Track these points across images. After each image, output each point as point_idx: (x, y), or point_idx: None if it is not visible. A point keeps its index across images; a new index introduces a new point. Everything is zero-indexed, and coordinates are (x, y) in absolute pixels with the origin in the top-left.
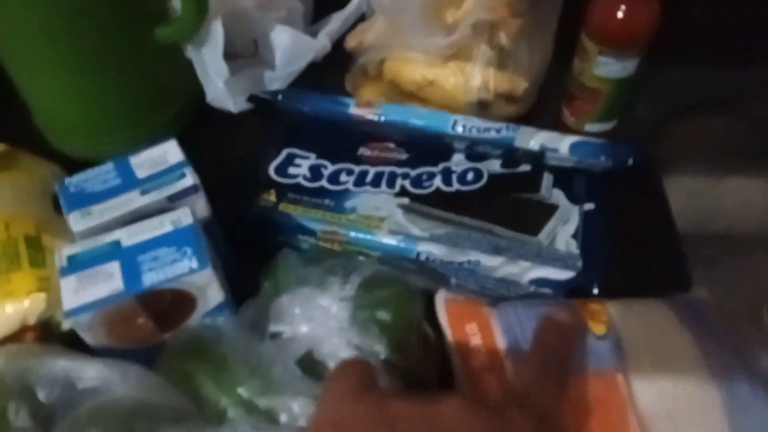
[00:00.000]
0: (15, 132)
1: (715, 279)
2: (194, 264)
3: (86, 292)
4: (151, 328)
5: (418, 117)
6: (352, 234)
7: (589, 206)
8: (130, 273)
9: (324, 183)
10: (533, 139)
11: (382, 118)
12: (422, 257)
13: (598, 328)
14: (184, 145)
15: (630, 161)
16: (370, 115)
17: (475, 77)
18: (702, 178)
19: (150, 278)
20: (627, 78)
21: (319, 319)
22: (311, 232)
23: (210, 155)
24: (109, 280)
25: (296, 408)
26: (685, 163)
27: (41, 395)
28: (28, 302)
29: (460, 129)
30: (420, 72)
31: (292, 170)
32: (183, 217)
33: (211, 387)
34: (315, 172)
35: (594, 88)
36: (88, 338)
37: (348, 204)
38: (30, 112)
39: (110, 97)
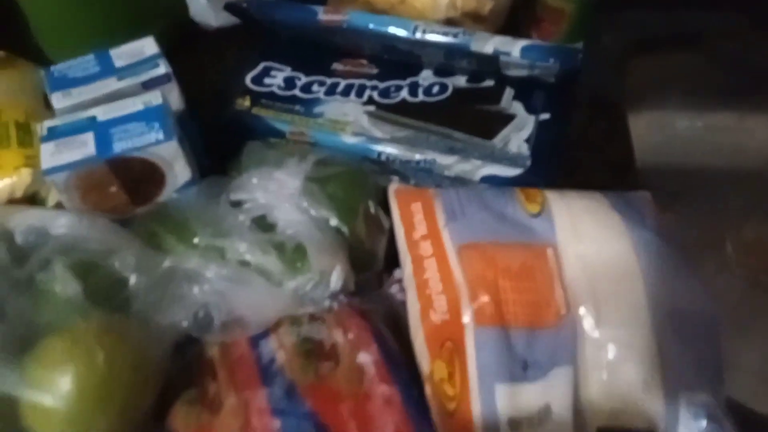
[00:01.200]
0: (16, 46)
1: (679, 211)
2: (160, 136)
3: (62, 155)
4: (124, 199)
5: (381, 23)
6: (318, 135)
7: (545, 116)
8: (103, 142)
9: (296, 92)
10: (487, 44)
11: (348, 25)
12: (382, 157)
13: (532, 207)
14: (168, 62)
15: (577, 63)
16: (336, 21)
17: None
18: (667, 113)
19: (120, 146)
20: None
21: (274, 188)
22: (280, 134)
23: (192, 73)
24: (83, 147)
25: (242, 248)
26: (651, 98)
27: (18, 239)
28: (16, 176)
29: (420, 33)
30: None
31: (267, 80)
32: (153, 98)
33: (171, 240)
34: (289, 83)
35: (557, 8)
36: (65, 201)
37: (317, 110)
38: (29, 29)
39: (99, 11)
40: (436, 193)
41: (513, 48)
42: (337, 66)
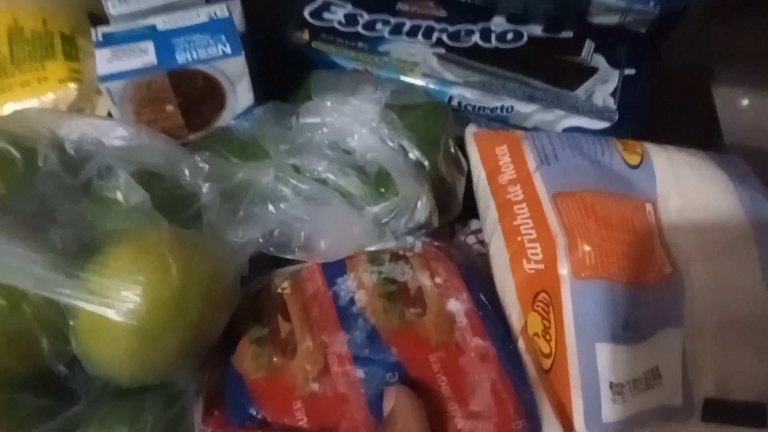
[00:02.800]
0: None
1: None
2: (228, 49)
3: (120, 62)
4: (179, 121)
5: None
6: (384, 74)
7: (630, 71)
8: (164, 51)
9: (359, 29)
10: None
11: None
12: (454, 101)
13: (631, 158)
14: None
15: (681, 7)
16: None
17: None
18: (741, 86)
19: (183, 56)
20: None
21: (349, 112)
22: (343, 70)
23: (248, 5)
24: (143, 55)
25: (322, 167)
26: (733, 67)
27: (70, 148)
28: (61, 90)
29: None
30: None
31: (327, 15)
32: (219, 11)
33: (239, 161)
34: (350, 20)
35: None
36: (117, 114)
37: (382, 48)
38: None
39: None
40: (523, 135)
41: None
42: (401, 6)
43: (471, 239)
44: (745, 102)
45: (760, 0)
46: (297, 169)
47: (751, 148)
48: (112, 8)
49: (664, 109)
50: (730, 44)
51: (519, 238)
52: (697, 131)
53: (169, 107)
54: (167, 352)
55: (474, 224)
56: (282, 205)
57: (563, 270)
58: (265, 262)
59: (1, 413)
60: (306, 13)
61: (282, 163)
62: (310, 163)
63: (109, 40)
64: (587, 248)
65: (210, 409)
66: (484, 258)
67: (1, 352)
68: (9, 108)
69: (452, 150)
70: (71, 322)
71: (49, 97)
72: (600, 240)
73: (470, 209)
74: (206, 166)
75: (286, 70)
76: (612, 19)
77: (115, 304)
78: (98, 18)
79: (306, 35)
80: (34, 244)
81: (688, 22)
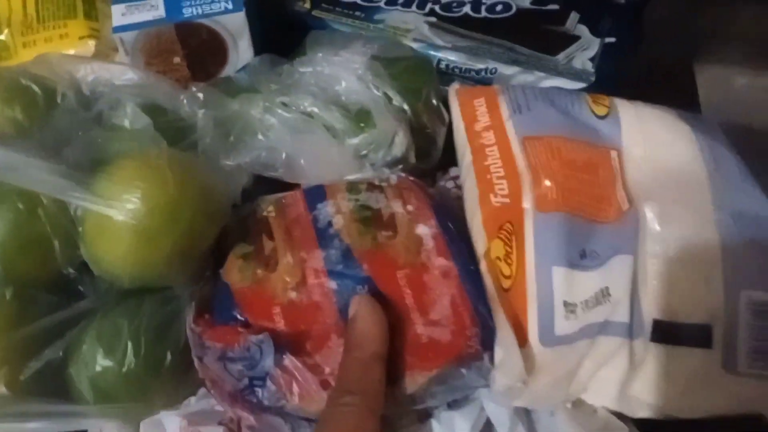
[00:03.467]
0: None
1: None
2: (230, 5)
3: (133, 15)
4: (185, 72)
5: None
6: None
7: (611, 39)
8: (173, 6)
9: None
10: None
11: None
12: (442, 64)
13: (599, 109)
14: None
15: None
16: None
17: None
18: (728, 69)
19: (189, 11)
20: None
21: (338, 62)
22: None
23: None
24: (153, 10)
25: (307, 102)
26: (713, 51)
27: (86, 88)
28: (81, 46)
29: None
30: None
31: None
32: None
33: (235, 103)
34: None
35: None
36: (130, 63)
37: (377, 17)
38: None
39: None
40: (500, 89)
41: None
42: None
43: (450, 184)
44: (733, 81)
45: None
46: (285, 104)
47: (739, 126)
48: None
49: (647, 85)
50: (718, 25)
51: (488, 176)
52: (678, 101)
53: (176, 59)
54: (163, 253)
55: (453, 171)
56: (270, 134)
57: (526, 203)
58: (259, 193)
59: (21, 307)
60: None
61: (271, 98)
62: (297, 98)
63: None
64: (549, 183)
65: (200, 312)
66: (461, 201)
67: (19, 255)
68: None
69: (434, 102)
70: (80, 228)
71: (69, 52)
72: (563, 178)
73: (453, 159)
74: (201, 95)
75: (288, 36)
76: None
77: (118, 206)
78: None
79: (307, 4)
80: (51, 159)
81: (677, 3)
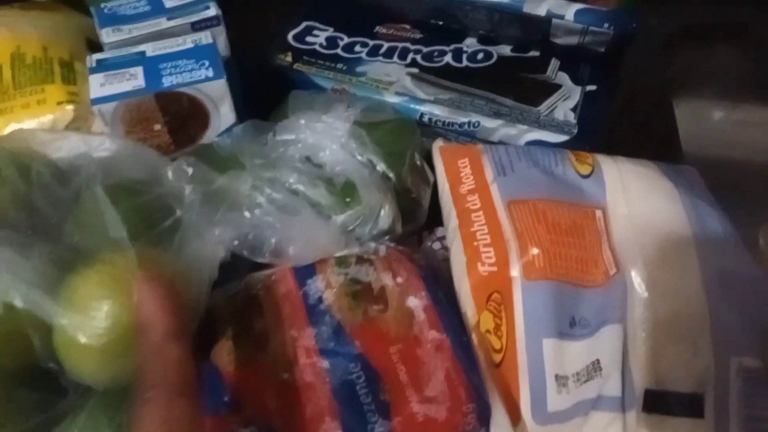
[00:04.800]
0: None
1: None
2: (210, 73)
3: (111, 86)
4: (167, 138)
5: None
6: (360, 93)
7: (591, 87)
8: (152, 75)
9: (339, 51)
10: (541, 6)
11: None
12: (425, 118)
13: (582, 168)
14: None
15: (633, 29)
16: None
17: None
18: (705, 103)
19: (169, 80)
20: None
21: (322, 130)
22: (322, 90)
23: (235, 28)
24: (132, 79)
25: (293, 179)
26: (690, 87)
27: (63, 164)
28: (59, 111)
29: None
30: None
31: (309, 39)
32: (204, 38)
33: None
34: (331, 42)
35: None
36: (110, 133)
37: (359, 69)
38: None
39: None
40: (483, 149)
41: (567, 11)
42: (379, 29)
43: (437, 245)
44: (711, 116)
45: (719, 24)
46: (271, 181)
47: (718, 159)
48: (105, 37)
49: (626, 126)
50: (694, 63)
51: (475, 243)
52: (657, 148)
53: (157, 126)
54: (135, 363)
55: (439, 231)
56: (256, 212)
57: (514, 272)
58: (246, 269)
59: (1, 407)
60: (290, 37)
61: (258, 174)
62: (283, 175)
63: (102, 66)
64: (536, 251)
65: None
66: (448, 263)
67: None
68: (11, 128)
69: (418, 163)
70: (52, 331)
71: (47, 118)
72: (549, 244)
73: (438, 218)
74: (190, 169)
75: (270, 90)
76: (572, 40)
77: (82, 327)
78: (94, 44)
79: (289, 57)
80: (21, 260)
81: (651, 45)
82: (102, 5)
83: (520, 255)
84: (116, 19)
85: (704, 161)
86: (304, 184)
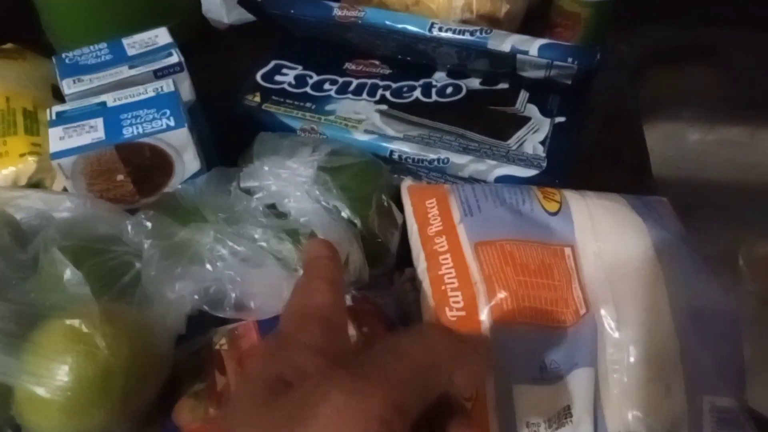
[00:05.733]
0: (25, 39)
1: (692, 225)
2: (171, 122)
3: (71, 139)
4: (130, 188)
5: (397, 20)
6: (330, 132)
7: (560, 119)
8: (112, 127)
9: (308, 90)
10: (505, 42)
11: (363, 21)
12: (395, 155)
13: (550, 206)
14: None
15: (597, 62)
16: (352, 17)
17: None
18: (680, 125)
19: (130, 131)
20: (604, 2)
21: (286, 176)
22: (291, 130)
23: (203, 70)
24: (92, 132)
25: (257, 233)
26: (664, 110)
27: (22, 223)
28: (21, 164)
29: (436, 31)
30: None
31: (278, 77)
32: (165, 86)
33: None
34: (300, 81)
35: (573, 13)
36: (71, 188)
37: (328, 107)
38: (39, 23)
39: (112, 7)
40: (450, 189)
41: (531, 46)
42: (348, 66)
43: (407, 286)
44: (686, 137)
45: (688, 47)
46: (234, 234)
47: (694, 179)
48: (67, 88)
49: (597, 155)
50: (663, 89)
51: (443, 287)
52: (629, 175)
53: (120, 177)
54: (97, 423)
55: (409, 272)
56: (219, 264)
57: (482, 316)
58: (212, 322)
59: None
60: (258, 77)
61: (221, 228)
62: (247, 229)
63: (61, 119)
64: (504, 294)
65: None
66: (419, 304)
67: None
68: None
69: (385, 205)
70: (13, 394)
71: (9, 171)
72: (517, 286)
73: (410, 257)
74: (149, 224)
75: (240, 132)
76: (539, 74)
77: (46, 382)
78: (60, 91)
79: (257, 98)
80: None
81: (621, 71)
82: (64, 56)
83: (488, 299)
84: (78, 70)
85: (681, 184)
86: (268, 239)
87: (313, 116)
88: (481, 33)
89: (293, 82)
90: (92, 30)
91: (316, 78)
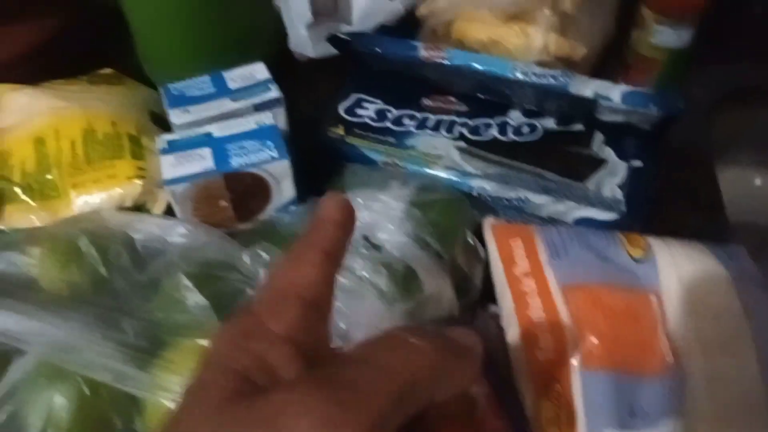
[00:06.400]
0: (120, 66)
1: (764, 267)
2: (275, 154)
3: (182, 167)
4: (230, 213)
5: (481, 62)
6: (410, 166)
7: (637, 163)
8: (221, 156)
9: (388, 124)
10: (587, 87)
11: (449, 62)
12: (474, 192)
13: (635, 252)
14: None
15: (679, 109)
16: (437, 57)
17: (536, 39)
18: (751, 168)
19: (237, 161)
20: (682, 48)
21: (378, 209)
22: (373, 163)
23: (286, 100)
24: (202, 160)
25: (357, 264)
26: (735, 152)
27: (139, 246)
28: (128, 186)
29: (519, 74)
30: (486, 31)
31: (359, 111)
32: (266, 119)
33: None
34: (380, 115)
35: (650, 58)
36: (178, 212)
37: (408, 142)
38: (134, 50)
39: (207, 34)
40: (536, 230)
41: (613, 93)
42: (426, 101)
43: (491, 323)
44: (754, 181)
45: (762, 89)
46: None
47: (759, 228)
48: (175, 118)
49: (671, 196)
50: (735, 130)
51: (532, 329)
52: (703, 214)
53: (223, 203)
54: None
55: (492, 308)
56: None
57: (573, 360)
58: None
59: None
60: (341, 109)
61: None
62: (348, 260)
63: (172, 147)
64: (595, 340)
65: None
66: (503, 341)
67: None
68: (81, 201)
69: (470, 240)
70: (141, 412)
71: (116, 192)
72: (607, 331)
73: (490, 292)
74: (267, 256)
75: (322, 162)
76: (617, 118)
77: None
78: (157, 116)
79: (341, 130)
80: (110, 336)
81: (694, 112)
82: (169, 86)
83: (578, 343)
84: (184, 101)
85: (751, 227)
86: (367, 270)
87: (395, 150)
88: (562, 77)
89: (374, 116)
90: (187, 60)
91: (395, 113)
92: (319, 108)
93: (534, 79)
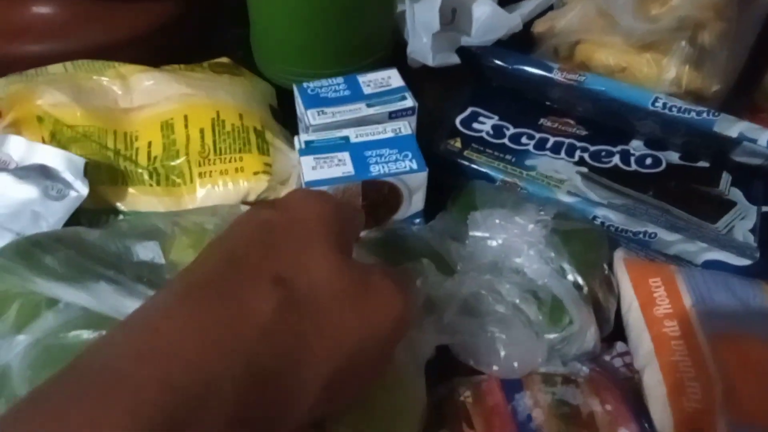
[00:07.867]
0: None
1: None
2: (414, 165)
3: (323, 170)
4: None
5: (617, 89)
6: (531, 188)
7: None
8: (360, 163)
9: (506, 141)
10: (734, 128)
11: (582, 84)
12: (598, 221)
13: None
14: None
15: None
16: (572, 80)
17: (669, 70)
18: None
19: (377, 169)
20: None
21: (516, 232)
22: (491, 180)
23: None
24: (342, 165)
25: (504, 289)
26: None
27: None
28: (254, 181)
29: (659, 105)
30: (614, 57)
31: (476, 125)
32: (403, 128)
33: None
34: (497, 131)
35: None
36: None
37: (528, 162)
38: (237, 41)
39: (330, 35)
40: (677, 270)
41: (761, 135)
42: (544, 121)
43: (618, 362)
44: None
45: None
46: (489, 289)
47: None
48: (312, 118)
49: None
50: None
51: (678, 375)
52: None
53: None
54: None
55: (620, 347)
56: (477, 319)
57: (722, 413)
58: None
59: None
60: (457, 122)
61: (478, 280)
62: (495, 284)
63: (311, 149)
64: (744, 393)
65: None
66: (630, 382)
67: None
68: (205, 191)
69: (607, 274)
70: None
71: (243, 186)
72: (756, 386)
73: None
74: (432, 266)
75: (437, 174)
76: (755, 161)
77: None
78: (275, 110)
79: (458, 143)
80: None
81: None
82: (305, 85)
83: (726, 395)
84: (320, 102)
85: None
86: (516, 297)
87: (515, 170)
88: (708, 114)
89: (491, 132)
90: (310, 58)
91: (513, 130)
92: (432, 118)
93: (674, 112)
